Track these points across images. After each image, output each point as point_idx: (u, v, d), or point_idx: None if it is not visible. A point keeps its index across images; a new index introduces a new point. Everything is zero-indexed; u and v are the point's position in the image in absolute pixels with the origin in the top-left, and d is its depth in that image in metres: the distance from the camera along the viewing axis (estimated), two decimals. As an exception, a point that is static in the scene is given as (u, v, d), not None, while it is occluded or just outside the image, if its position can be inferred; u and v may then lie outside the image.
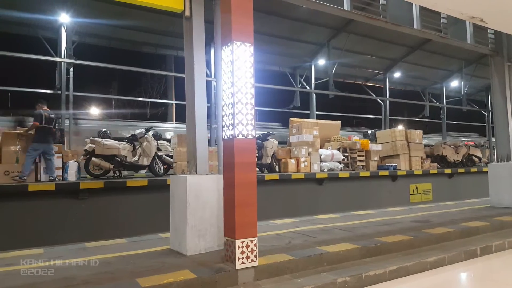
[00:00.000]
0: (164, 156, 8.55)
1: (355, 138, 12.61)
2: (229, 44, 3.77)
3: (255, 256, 3.62)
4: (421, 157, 12.04)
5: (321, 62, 17.21)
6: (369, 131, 15.85)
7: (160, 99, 19.43)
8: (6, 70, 16.04)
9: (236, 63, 3.71)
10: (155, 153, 8.28)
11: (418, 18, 7.42)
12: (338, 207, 8.55)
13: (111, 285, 3.10)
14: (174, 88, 18.71)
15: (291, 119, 11.07)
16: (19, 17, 11.95)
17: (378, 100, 20.34)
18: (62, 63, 12.64)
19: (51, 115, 7.19)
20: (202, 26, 4.60)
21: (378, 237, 4.91)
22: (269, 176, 8.43)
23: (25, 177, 6.59)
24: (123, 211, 6.76)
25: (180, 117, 17.45)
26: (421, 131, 12.47)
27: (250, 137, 3.72)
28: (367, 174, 10.21)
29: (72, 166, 7.46)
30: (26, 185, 6.17)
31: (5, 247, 4.88)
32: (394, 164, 11.22)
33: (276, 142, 9.88)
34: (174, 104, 18.76)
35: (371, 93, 20.52)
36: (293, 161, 9.56)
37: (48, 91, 13.53)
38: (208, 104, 4.44)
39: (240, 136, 3.66)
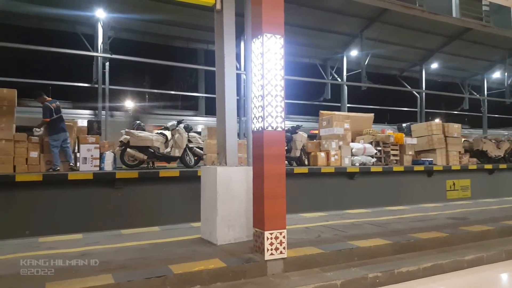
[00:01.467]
0: (194, 148, 8.70)
1: (389, 131, 12.26)
2: (259, 36, 3.76)
3: (284, 248, 3.64)
4: (459, 152, 11.54)
5: (354, 53, 16.82)
6: (404, 125, 15.36)
7: (190, 92, 19.72)
8: (47, 64, 16.86)
9: (266, 55, 3.70)
10: (186, 145, 8.44)
11: (458, 6, 7.08)
12: (369, 202, 8.38)
13: (145, 271, 3.22)
14: (205, 81, 18.94)
15: (321, 111, 10.92)
16: (58, 14, 12.51)
17: (414, 92, 19.67)
18: (99, 57, 13.10)
19: (56, 103, 7.30)
20: (232, 19, 4.61)
21: (412, 233, 4.78)
22: (298, 169, 8.39)
23: (58, 168, 6.91)
24: (156, 201, 6.97)
25: (210, 110, 17.66)
26: (460, 125, 11.93)
27: (279, 129, 3.71)
28: (401, 169, 9.92)
29: (109, 156, 7.76)
30: (66, 174, 6.50)
31: (47, 232, 5.18)
32: (430, 159, 10.82)
33: (306, 135, 9.79)
34: (204, 97, 19.00)
35: (406, 85, 19.85)
36: (322, 154, 9.44)
37: (86, 85, 14.13)
38: (238, 97, 4.47)
39: (270, 128, 3.66)
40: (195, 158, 8.73)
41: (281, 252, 3.62)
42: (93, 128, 8.37)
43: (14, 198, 6.08)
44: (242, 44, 12.96)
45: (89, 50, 13.17)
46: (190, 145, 8.59)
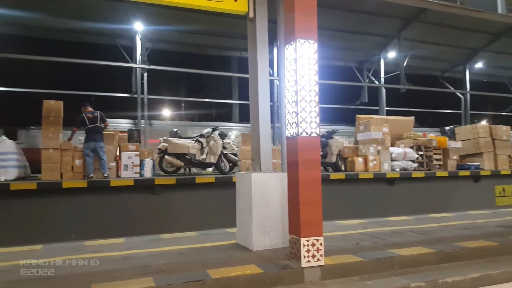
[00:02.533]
0: (229, 154, 8.81)
1: (431, 135, 11.76)
2: (292, 43, 3.76)
3: (321, 255, 3.58)
4: (509, 155, 10.86)
5: (391, 55, 16.37)
6: (447, 128, 14.68)
7: (224, 99, 20.02)
8: (89, 76, 17.75)
9: (299, 61, 3.69)
10: (221, 151, 8.58)
11: (503, 2, 6.69)
12: (411, 209, 8.05)
13: (184, 274, 3.29)
14: (238, 88, 19.17)
15: (358, 115, 10.68)
16: (99, 28, 13.22)
17: (457, 93, 18.77)
18: (137, 68, 13.65)
19: (94, 114, 7.55)
20: (265, 27, 4.65)
21: (457, 241, 4.54)
22: (334, 175, 8.25)
23: (91, 176, 7.21)
24: (193, 206, 7.11)
25: (244, 117, 17.82)
26: (509, 127, 11.24)
27: (314, 135, 3.68)
28: (444, 174, 9.48)
29: (148, 163, 8.04)
30: (109, 181, 6.80)
31: (92, 236, 5.44)
32: (477, 164, 10.27)
33: (342, 140, 9.63)
34: (238, 104, 19.21)
35: (449, 86, 18.99)
36: (360, 160, 9.22)
37: (126, 95, 14.75)
38: (271, 103, 4.50)
39: (304, 134, 3.64)
40: (230, 164, 8.84)
41: (318, 260, 3.57)
42: (133, 136, 8.73)
43: (61, 204, 6.45)
44: (275, 50, 13.01)
45: (128, 62, 13.77)
46: (225, 152, 8.71)
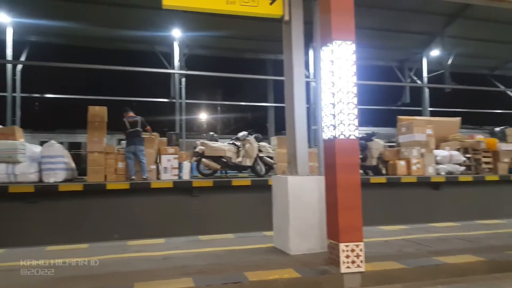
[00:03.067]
0: (265, 157, 8.83)
1: (479, 136, 11.14)
2: (329, 44, 3.72)
3: (361, 262, 3.49)
4: None
5: (434, 53, 15.68)
6: (497, 129, 13.80)
7: (260, 102, 20.09)
8: (129, 82, 18.54)
9: (336, 62, 3.64)
10: (257, 154, 8.62)
11: (557, -8, 6.22)
12: (458, 215, 7.66)
13: (222, 276, 3.33)
14: (274, 90, 19.15)
15: (400, 117, 10.30)
16: (139, 36, 13.76)
17: (509, 92, 17.63)
18: (175, 74, 14.04)
19: (135, 119, 7.85)
20: (301, 30, 4.63)
21: (510, 250, 4.26)
22: (374, 179, 8.03)
23: (133, 178, 7.47)
24: (230, 208, 7.20)
25: (279, 120, 17.78)
26: None
27: (352, 137, 3.61)
28: (495, 178, 8.95)
29: (186, 166, 8.24)
30: (149, 183, 7.04)
31: (134, 236, 5.65)
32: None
33: (383, 143, 9.36)
34: (273, 107, 19.17)
35: (500, 84, 17.88)
36: (402, 163, 8.89)
37: (165, 100, 15.22)
38: (307, 105, 4.47)
39: (342, 136, 3.58)
40: (266, 167, 8.86)
41: (358, 266, 3.48)
42: (172, 140, 8.98)
43: (105, 204, 6.75)
44: (310, 51, 12.91)
45: (166, 68, 14.22)
46: (261, 155, 8.74)
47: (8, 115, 12.67)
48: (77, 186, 6.63)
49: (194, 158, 8.65)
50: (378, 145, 9.09)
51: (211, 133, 9.86)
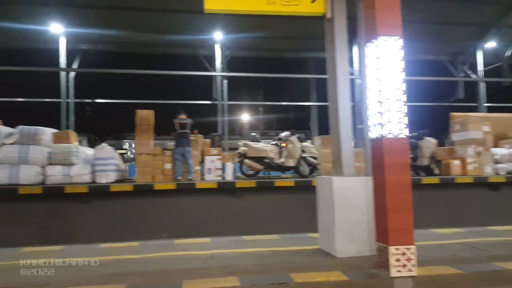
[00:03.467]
0: (308, 157, 8.73)
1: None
2: (374, 40, 3.60)
3: (412, 266, 3.34)
4: None
5: (490, 44, 14.66)
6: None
7: (302, 101, 19.90)
8: (173, 86, 19.14)
9: (382, 58, 3.52)
10: (300, 154, 8.54)
11: None
12: (519, 218, 7.14)
13: (268, 276, 3.34)
14: (316, 89, 18.90)
15: (453, 114, 9.73)
16: (182, 40, 14.15)
17: None
18: (217, 76, 14.30)
19: (184, 121, 8.01)
20: (344, 27, 4.53)
21: None
22: (426, 180, 7.68)
23: (179, 178, 7.66)
24: (273, 209, 7.20)
25: (323, 119, 17.51)
26: None
27: (401, 136, 3.46)
28: (560, 177, 8.21)
29: (229, 167, 8.35)
30: (194, 183, 7.22)
31: (180, 235, 5.81)
32: None
33: (435, 141, 8.91)
34: (316, 106, 18.93)
35: None
36: (456, 162, 8.42)
37: (207, 102, 15.55)
38: (352, 103, 4.34)
39: (390, 135, 3.45)
40: (310, 168, 8.75)
41: (409, 270, 3.33)
42: (215, 141, 9.13)
43: (154, 204, 7.02)
44: (354, 47, 12.59)
45: (209, 70, 14.52)
46: (304, 155, 8.66)
47: (63, 119, 13.56)
48: (127, 187, 6.95)
49: (237, 159, 8.74)
50: (430, 144, 8.67)
51: (253, 134, 9.91)
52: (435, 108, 17.54)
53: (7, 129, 7.43)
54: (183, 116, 8.18)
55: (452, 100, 16.44)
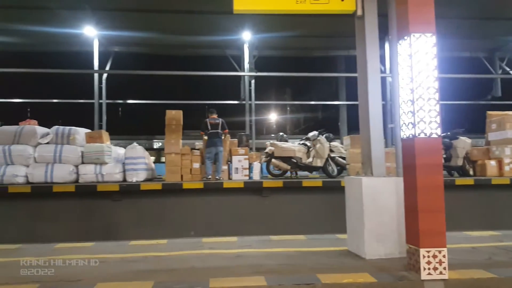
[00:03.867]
0: (337, 157, 8.61)
1: None
2: (406, 37, 3.50)
3: (444, 269, 3.23)
4: None
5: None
6: None
7: (331, 101, 19.64)
8: (202, 86, 19.39)
9: (415, 56, 3.41)
10: (328, 154, 8.43)
11: None
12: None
13: (294, 277, 3.32)
14: (346, 88, 18.59)
15: (489, 112, 9.30)
16: (210, 41, 14.30)
17: None
18: (245, 76, 14.35)
19: (216, 121, 8.05)
20: (375, 24, 4.43)
21: None
22: (460, 181, 7.39)
23: (209, 177, 7.74)
24: (301, 209, 7.15)
25: (352, 118, 17.20)
26: None
27: (434, 136, 3.34)
28: None
29: (256, 166, 8.37)
30: (222, 183, 7.28)
31: (208, 233, 5.89)
32: None
33: (469, 141, 8.56)
34: (346, 105, 18.63)
35: None
36: (492, 163, 8.07)
37: (235, 102, 15.66)
38: (383, 102, 4.22)
39: (422, 135, 3.34)
40: (338, 168, 8.62)
41: (440, 273, 3.22)
42: (242, 141, 9.18)
43: (182, 203, 7.14)
44: (386, 45, 12.26)
45: (236, 71, 14.61)
46: (332, 155, 8.54)
47: (95, 120, 14.05)
48: (157, 185, 7.11)
49: (264, 159, 8.74)
50: (464, 144, 8.33)
51: (281, 133, 9.88)
52: (470, 106, 16.83)
53: (42, 129, 7.79)
54: (214, 116, 8.25)
55: (488, 98, 15.72)
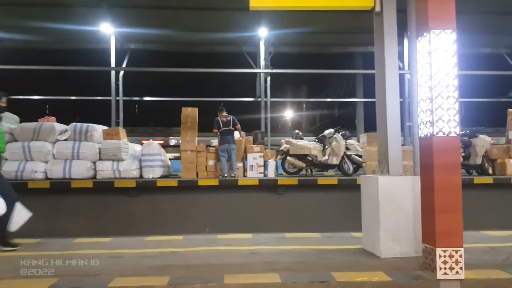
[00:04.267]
0: (353, 155, 8.52)
1: None
2: (425, 34, 3.42)
3: (460, 268, 3.17)
4: None
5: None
6: None
7: (347, 98, 19.43)
8: (218, 83, 19.47)
9: (434, 53, 3.33)
10: (344, 152, 8.36)
11: None
12: None
13: (309, 274, 3.32)
14: (363, 85, 18.35)
15: (510, 110, 9.09)
16: (227, 37, 14.32)
17: None
18: (261, 73, 14.33)
19: (227, 118, 8.11)
20: (394, 20, 4.35)
21: None
22: (479, 180, 7.24)
23: (225, 175, 7.77)
24: (315, 207, 7.12)
25: (369, 116, 16.98)
26: None
27: (452, 134, 3.27)
28: None
29: (271, 164, 8.38)
30: (237, 180, 7.32)
31: (223, 230, 5.93)
32: None
33: (489, 139, 8.37)
34: (362, 102, 18.40)
35: None
36: (513, 161, 7.87)
37: (251, 99, 15.66)
38: (401, 99, 4.14)
39: (440, 134, 3.27)
40: (354, 166, 8.54)
41: (457, 273, 3.17)
42: (258, 138, 9.19)
43: (197, 199, 7.21)
44: (404, 41, 12.06)
45: (252, 67, 14.59)
46: (348, 153, 8.46)
47: (113, 117, 14.27)
48: (173, 182, 7.20)
49: (279, 156, 8.74)
50: (483, 142, 8.14)
51: (296, 131, 9.84)
52: (491, 104, 16.39)
53: (61, 126, 7.96)
54: (224, 113, 8.31)
55: (510, 95, 15.28)
